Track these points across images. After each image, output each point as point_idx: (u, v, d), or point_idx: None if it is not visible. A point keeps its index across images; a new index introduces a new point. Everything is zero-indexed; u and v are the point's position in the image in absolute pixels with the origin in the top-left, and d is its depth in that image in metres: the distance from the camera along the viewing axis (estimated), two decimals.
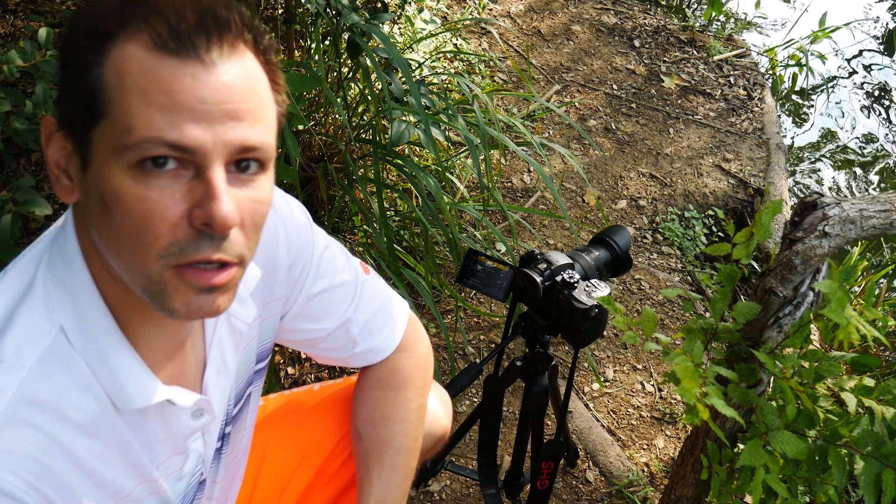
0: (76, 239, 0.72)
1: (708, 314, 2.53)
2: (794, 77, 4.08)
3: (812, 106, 4.06)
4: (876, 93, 4.20)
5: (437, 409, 1.23)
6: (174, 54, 0.62)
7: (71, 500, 0.71)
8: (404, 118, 2.05)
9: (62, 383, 0.70)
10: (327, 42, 2.44)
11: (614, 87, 3.56)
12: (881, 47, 4.56)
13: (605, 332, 2.27)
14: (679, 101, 3.54)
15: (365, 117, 2.40)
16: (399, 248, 2.21)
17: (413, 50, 3.13)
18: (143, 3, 0.64)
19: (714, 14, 4.18)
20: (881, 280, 2.77)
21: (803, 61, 4.08)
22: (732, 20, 4.55)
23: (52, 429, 0.69)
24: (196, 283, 0.67)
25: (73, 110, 0.66)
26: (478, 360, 2.02)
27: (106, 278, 0.71)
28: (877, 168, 3.68)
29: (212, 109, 0.63)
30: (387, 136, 2.05)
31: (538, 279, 1.31)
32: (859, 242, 2.80)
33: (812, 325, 1.12)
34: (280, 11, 2.30)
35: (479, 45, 3.63)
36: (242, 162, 0.67)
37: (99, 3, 0.66)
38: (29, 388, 0.68)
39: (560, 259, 1.34)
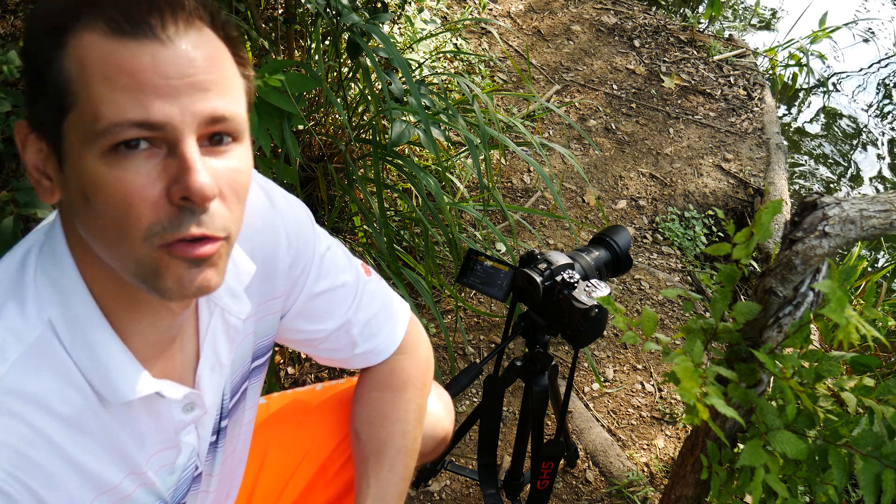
0: (64, 236, 0.72)
1: (708, 314, 2.53)
2: (794, 77, 4.08)
3: (812, 106, 4.06)
4: (876, 92, 4.20)
5: (438, 412, 1.23)
6: (131, 36, 0.63)
7: (53, 490, 0.71)
8: (404, 118, 2.05)
9: (46, 377, 0.70)
10: (327, 42, 2.44)
11: (614, 87, 3.56)
12: (882, 46, 4.56)
13: (605, 332, 2.27)
14: (679, 101, 3.54)
15: (365, 117, 2.40)
16: (399, 248, 2.21)
17: (413, 50, 3.13)
18: None
19: (714, 14, 4.18)
20: (881, 280, 2.77)
21: (803, 61, 4.08)
22: (733, 19, 4.55)
23: (36, 420, 0.69)
24: (185, 256, 0.67)
25: (42, 109, 0.66)
26: (478, 360, 2.02)
27: (95, 274, 0.72)
28: (877, 168, 3.68)
29: (176, 83, 0.63)
30: (387, 136, 2.05)
31: (538, 279, 1.31)
32: (859, 242, 2.80)
33: (812, 325, 1.12)
34: (280, 11, 2.30)
35: (479, 45, 3.63)
36: (215, 136, 0.67)
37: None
38: (12, 381, 0.68)
39: (560, 259, 1.34)
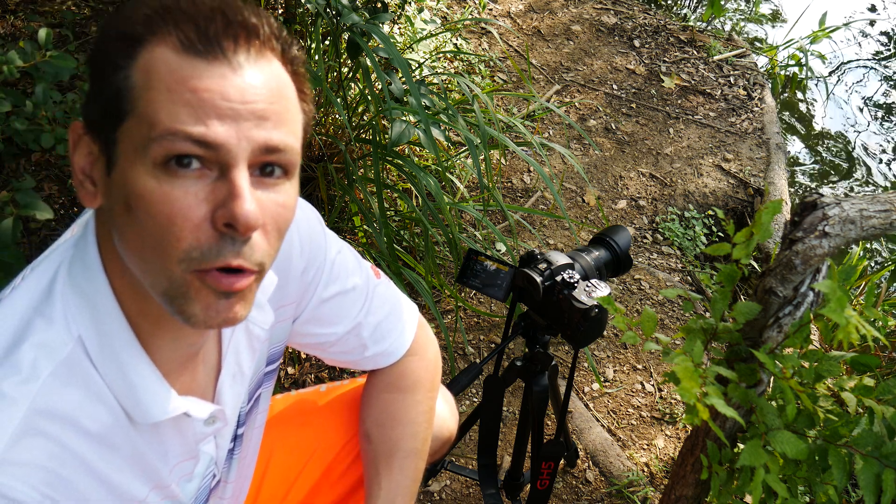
0: (97, 247, 0.71)
1: (708, 314, 2.53)
2: (794, 77, 4.08)
3: (812, 105, 4.06)
4: (876, 92, 4.20)
5: (444, 413, 1.23)
6: (201, 56, 0.63)
7: None
8: (404, 118, 2.05)
9: (76, 395, 0.70)
10: (327, 42, 2.44)
11: (614, 87, 3.56)
12: (881, 47, 4.56)
13: (605, 332, 2.27)
14: (679, 101, 3.54)
15: (365, 117, 2.40)
16: (399, 248, 2.21)
17: (413, 50, 3.13)
18: (174, 9, 0.64)
19: (714, 15, 4.18)
20: (881, 280, 2.77)
21: (803, 61, 4.08)
22: (732, 20, 4.55)
23: (67, 439, 0.69)
24: (217, 286, 0.66)
25: (100, 111, 0.66)
26: (478, 360, 2.02)
27: (126, 288, 0.71)
28: (877, 167, 3.68)
29: (237, 108, 0.63)
30: (387, 136, 2.05)
31: (538, 279, 1.31)
32: (860, 242, 2.80)
33: (812, 325, 1.12)
34: (280, 11, 2.30)
35: (479, 45, 3.63)
36: (267, 167, 0.67)
37: (131, 8, 0.66)
38: (43, 400, 0.68)
39: (560, 259, 1.34)
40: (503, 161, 2.98)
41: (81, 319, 0.70)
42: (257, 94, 0.64)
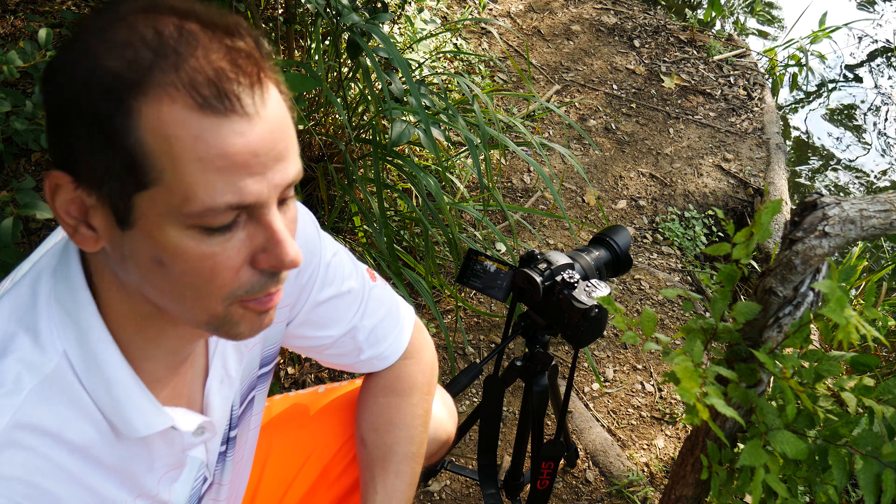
0: (80, 266, 0.71)
1: (708, 314, 2.53)
2: (794, 77, 4.08)
3: (812, 106, 4.06)
4: (876, 91, 4.20)
5: (441, 415, 1.23)
6: (220, 113, 0.60)
7: None
8: (404, 118, 2.05)
9: (60, 409, 0.69)
10: (327, 42, 2.44)
11: (614, 87, 3.56)
12: (881, 47, 4.56)
13: (605, 332, 2.27)
14: (679, 101, 3.54)
15: (365, 117, 2.40)
16: (399, 248, 2.21)
17: (413, 50, 3.13)
18: (169, 53, 0.60)
19: (714, 14, 4.18)
20: (881, 280, 2.77)
21: (803, 61, 4.08)
22: (732, 20, 4.55)
23: (49, 451, 0.69)
24: (259, 309, 0.70)
25: (102, 172, 0.62)
26: (478, 360, 2.02)
27: (120, 308, 0.71)
28: (878, 168, 3.68)
29: (264, 159, 0.63)
30: (387, 136, 2.05)
31: (538, 279, 1.31)
32: (859, 242, 2.80)
33: (812, 325, 1.12)
34: (280, 11, 2.30)
35: (479, 45, 3.63)
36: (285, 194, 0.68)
37: (107, 52, 0.61)
38: (26, 414, 0.67)
39: (560, 259, 1.34)
40: (503, 161, 2.98)
41: (66, 335, 0.70)
42: (276, 137, 0.64)
